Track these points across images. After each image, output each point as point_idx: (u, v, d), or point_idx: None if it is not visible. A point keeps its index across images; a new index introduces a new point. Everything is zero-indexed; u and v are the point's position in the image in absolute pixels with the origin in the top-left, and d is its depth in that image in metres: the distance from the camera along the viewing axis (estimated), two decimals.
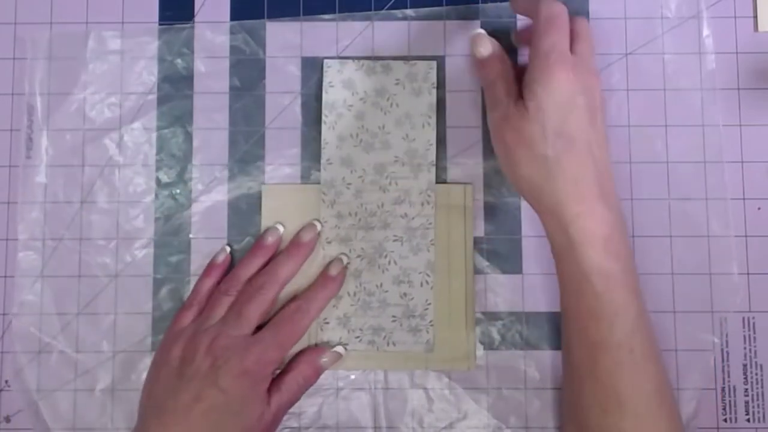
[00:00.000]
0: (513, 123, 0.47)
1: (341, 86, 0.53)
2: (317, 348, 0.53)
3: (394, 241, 0.54)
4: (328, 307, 0.53)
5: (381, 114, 0.53)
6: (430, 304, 0.53)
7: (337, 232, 0.54)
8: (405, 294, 0.53)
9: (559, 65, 0.46)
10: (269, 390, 0.50)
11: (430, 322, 0.53)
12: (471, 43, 0.49)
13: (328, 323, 0.53)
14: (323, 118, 0.53)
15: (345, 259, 0.53)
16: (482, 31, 0.49)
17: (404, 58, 0.54)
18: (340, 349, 0.53)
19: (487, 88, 0.50)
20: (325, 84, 0.53)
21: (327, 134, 0.53)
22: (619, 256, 0.46)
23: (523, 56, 0.55)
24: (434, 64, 0.54)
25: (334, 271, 0.53)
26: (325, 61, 0.53)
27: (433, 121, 0.53)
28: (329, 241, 0.54)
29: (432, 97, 0.53)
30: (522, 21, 0.55)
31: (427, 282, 0.53)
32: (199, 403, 0.47)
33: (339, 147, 0.53)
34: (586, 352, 0.46)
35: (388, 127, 0.53)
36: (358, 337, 0.53)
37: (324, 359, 0.52)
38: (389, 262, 0.53)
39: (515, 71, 0.49)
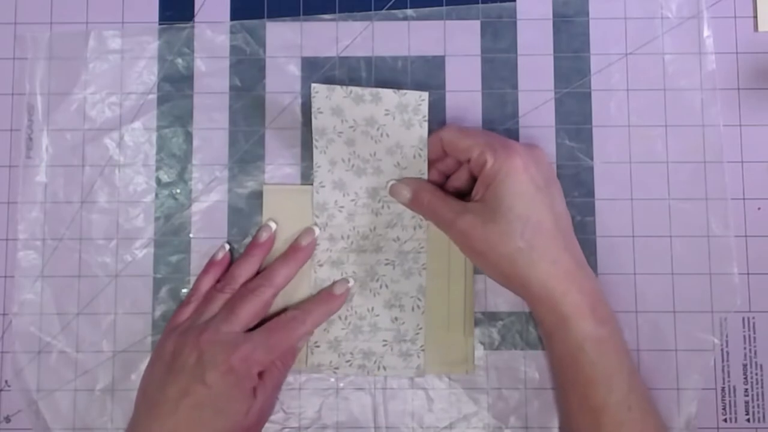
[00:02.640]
0: (476, 231, 0.48)
1: (330, 113, 0.52)
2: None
3: (386, 264, 0.53)
4: (319, 330, 0.53)
5: (372, 142, 0.52)
6: (421, 328, 0.53)
7: (329, 255, 0.53)
8: (396, 318, 0.53)
9: (510, 156, 0.48)
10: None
11: (421, 347, 0.53)
12: (392, 195, 0.52)
13: (318, 347, 0.53)
14: (314, 142, 0.52)
15: (351, 281, 0.53)
16: (392, 181, 0.52)
17: (402, 59, 0.54)
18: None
19: (431, 217, 0.51)
20: (314, 110, 0.52)
21: (318, 158, 0.53)
22: (606, 320, 0.48)
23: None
24: (426, 95, 0.51)
25: (338, 290, 0.53)
26: (313, 85, 0.51)
27: (425, 153, 0.52)
28: (321, 264, 0.53)
29: (423, 130, 0.52)
30: (522, 22, 0.55)
31: (418, 306, 0.53)
32: (185, 398, 0.47)
33: (331, 171, 0.53)
34: (589, 418, 0.47)
35: (380, 154, 0.52)
36: (348, 361, 0.53)
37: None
38: (381, 286, 0.53)
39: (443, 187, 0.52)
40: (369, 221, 0.53)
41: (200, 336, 0.49)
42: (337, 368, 0.53)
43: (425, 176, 0.52)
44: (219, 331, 0.49)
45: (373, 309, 0.53)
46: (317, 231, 0.53)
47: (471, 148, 0.49)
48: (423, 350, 0.53)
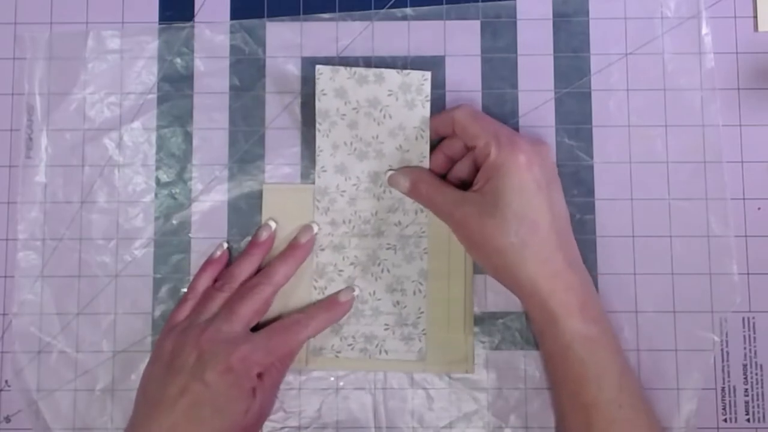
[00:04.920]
0: (473, 223, 0.48)
1: (333, 95, 0.52)
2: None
3: (388, 249, 0.53)
4: None
5: (374, 124, 0.52)
6: (422, 312, 0.53)
7: (330, 240, 0.54)
8: (398, 302, 0.53)
9: (513, 152, 0.48)
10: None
11: (423, 330, 0.53)
12: (390, 184, 0.53)
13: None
14: (317, 125, 0.53)
15: (356, 291, 0.53)
16: (391, 171, 0.52)
17: (402, 60, 0.54)
18: None
19: (429, 207, 0.52)
20: (317, 92, 0.52)
21: (321, 142, 0.53)
22: (596, 319, 0.48)
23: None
24: (428, 75, 0.52)
25: (343, 297, 0.53)
26: (317, 67, 0.52)
27: (427, 134, 0.52)
28: (322, 248, 0.54)
29: (425, 111, 0.52)
30: (521, 22, 0.55)
31: (420, 290, 0.53)
32: (184, 396, 0.47)
33: (333, 155, 0.53)
34: (580, 415, 0.48)
35: (382, 137, 0.53)
36: (350, 345, 0.53)
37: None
38: (382, 270, 0.53)
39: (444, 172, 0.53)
40: (370, 206, 0.53)
41: (201, 335, 0.49)
42: (339, 352, 0.53)
43: (427, 159, 0.52)
44: (220, 331, 0.49)
45: (374, 293, 0.53)
46: (316, 228, 0.53)
47: (478, 136, 0.49)
48: (425, 334, 0.53)
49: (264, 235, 0.53)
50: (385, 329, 0.53)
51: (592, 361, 0.47)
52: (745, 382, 0.53)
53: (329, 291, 0.53)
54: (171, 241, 0.54)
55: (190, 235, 0.54)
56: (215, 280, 0.53)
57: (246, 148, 0.55)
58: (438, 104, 0.54)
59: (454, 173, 0.52)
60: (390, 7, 0.55)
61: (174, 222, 0.54)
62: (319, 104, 0.52)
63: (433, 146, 0.53)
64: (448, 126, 0.51)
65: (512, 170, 0.47)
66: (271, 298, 0.52)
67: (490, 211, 0.47)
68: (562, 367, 0.48)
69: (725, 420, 0.53)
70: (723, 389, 0.53)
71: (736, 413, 0.53)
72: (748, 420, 0.53)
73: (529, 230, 0.47)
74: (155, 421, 0.47)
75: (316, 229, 0.53)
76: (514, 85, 0.55)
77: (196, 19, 0.55)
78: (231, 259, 0.54)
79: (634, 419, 0.47)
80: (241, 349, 0.49)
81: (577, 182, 0.54)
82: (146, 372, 0.51)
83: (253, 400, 0.49)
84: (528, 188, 0.47)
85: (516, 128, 0.54)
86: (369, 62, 0.55)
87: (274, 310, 0.53)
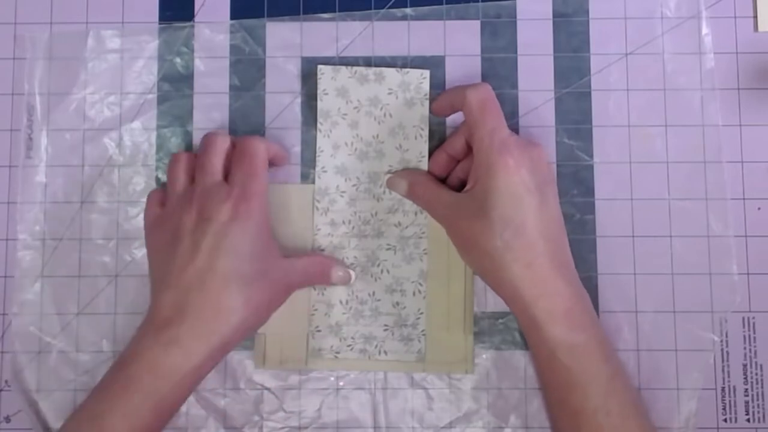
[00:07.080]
0: (462, 224, 0.49)
1: (335, 94, 0.53)
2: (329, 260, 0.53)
3: (387, 249, 0.53)
4: (320, 314, 0.53)
5: (375, 123, 0.53)
6: (422, 313, 0.53)
7: (330, 240, 0.54)
8: (397, 303, 0.53)
9: (502, 154, 0.47)
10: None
11: (422, 331, 0.53)
12: (389, 187, 0.53)
13: (319, 331, 0.53)
14: (318, 125, 0.53)
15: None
16: (389, 175, 0.53)
17: (402, 59, 0.55)
18: (351, 273, 0.53)
19: (426, 208, 0.52)
20: (319, 92, 0.53)
21: (322, 142, 0.53)
22: (583, 326, 0.47)
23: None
24: (427, 73, 0.53)
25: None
26: (319, 67, 0.53)
27: (425, 133, 0.53)
28: (322, 249, 0.54)
29: (425, 109, 0.53)
30: (521, 22, 0.55)
31: (419, 291, 0.53)
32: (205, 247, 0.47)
33: (333, 155, 0.53)
34: (568, 421, 0.48)
35: (382, 136, 0.53)
36: (349, 345, 0.53)
37: (339, 273, 0.52)
38: (382, 271, 0.53)
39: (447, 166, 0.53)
40: (370, 206, 0.53)
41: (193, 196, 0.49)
42: (338, 353, 0.53)
43: (426, 158, 0.53)
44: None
45: (374, 294, 0.53)
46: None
47: (477, 125, 0.49)
48: (424, 335, 0.53)
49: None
50: (385, 330, 0.53)
51: (577, 369, 0.47)
52: (745, 382, 0.53)
53: (329, 291, 0.53)
54: None
55: None
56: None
57: None
58: None
59: (455, 173, 0.52)
60: (390, 7, 0.55)
61: None
62: (321, 104, 0.53)
63: (434, 147, 0.53)
64: (460, 101, 0.50)
65: (500, 173, 0.47)
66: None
67: (478, 213, 0.47)
68: (548, 374, 0.48)
69: (725, 420, 0.53)
70: (723, 389, 0.53)
71: (736, 413, 0.53)
72: (748, 420, 0.53)
73: (514, 234, 0.47)
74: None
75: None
76: (514, 85, 0.55)
77: (196, 18, 0.55)
78: None
79: (623, 426, 0.47)
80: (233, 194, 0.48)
81: (577, 182, 0.54)
82: (157, 248, 0.50)
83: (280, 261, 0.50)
84: (515, 191, 0.47)
85: (516, 128, 0.54)
86: (369, 62, 0.55)
87: (275, 316, 0.52)
